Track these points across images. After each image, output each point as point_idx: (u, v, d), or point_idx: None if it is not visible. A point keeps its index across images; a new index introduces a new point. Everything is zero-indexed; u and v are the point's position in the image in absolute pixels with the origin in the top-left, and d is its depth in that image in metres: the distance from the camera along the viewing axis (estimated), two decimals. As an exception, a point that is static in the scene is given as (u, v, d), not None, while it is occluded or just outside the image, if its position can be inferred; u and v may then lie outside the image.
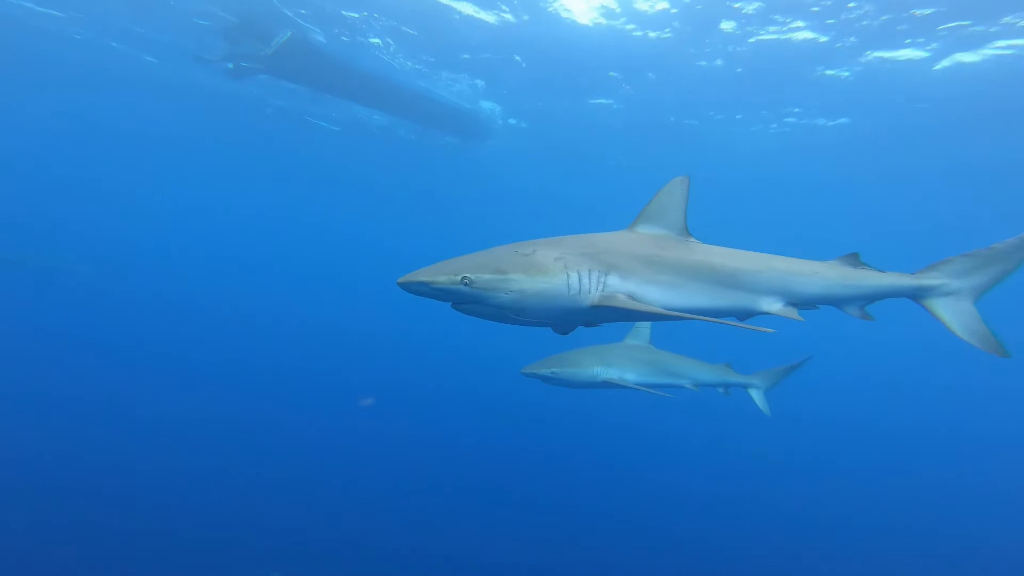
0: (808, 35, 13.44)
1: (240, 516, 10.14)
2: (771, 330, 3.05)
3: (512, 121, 22.85)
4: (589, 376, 5.79)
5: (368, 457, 13.48)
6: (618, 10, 13.19)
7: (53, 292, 24.25)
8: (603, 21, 13.77)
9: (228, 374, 18.83)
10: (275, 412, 15.90)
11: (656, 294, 3.26)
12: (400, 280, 2.92)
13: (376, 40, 16.42)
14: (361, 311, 28.00)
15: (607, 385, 5.87)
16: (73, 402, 14.28)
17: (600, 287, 3.09)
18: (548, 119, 21.66)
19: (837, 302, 3.87)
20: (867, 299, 3.87)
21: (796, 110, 18.40)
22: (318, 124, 25.40)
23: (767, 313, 3.69)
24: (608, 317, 3.30)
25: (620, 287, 3.14)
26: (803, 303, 3.77)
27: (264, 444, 13.47)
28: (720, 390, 6.73)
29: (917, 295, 3.87)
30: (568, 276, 3.01)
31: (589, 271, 3.08)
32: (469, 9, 14.03)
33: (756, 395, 6.80)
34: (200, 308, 28.14)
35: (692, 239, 3.75)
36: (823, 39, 13.53)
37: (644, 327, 6.43)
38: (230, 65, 17.64)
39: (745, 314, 3.73)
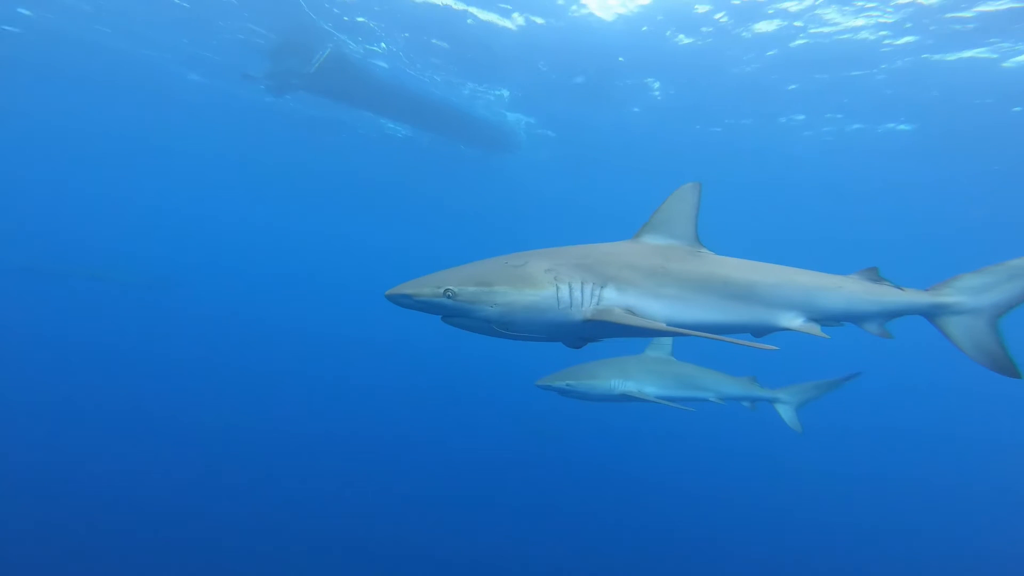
0: (857, 36, 12.92)
1: (262, 524, 10.28)
2: (774, 347, 2.88)
3: (538, 130, 22.80)
4: (606, 389, 5.65)
5: (387, 467, 13.52)
6: (647, 14, 13.00)
7: (102, 302, 25.22)
8: (630, 27, 13.57)
9: (272, 384, 19.13)
10: (309, 421, 16.16)
11: (659, 308, 3.09)
12: (387, 293, 2.89)
13: (401, 52, 16.65)
14: (376, 322, 28.26)
15: (625, 398, 5.72)
16: (108, 411, 14.51)
17: (595, 300, 2.94)
18: (573, 127, 21.51)
19: (859, 318, 3.65)
20: (888, 315, 3.66)
21: (838, 116, 17.75)
22: (349, 137, 25.95)
23: (787, 329, 3.47)
24: (606, 332, 3.14)
25: (617, 300, 2.99)
26: (826, 319, 3.56)
27: (304, 455, 13.64)
28: (746, 404, 6.49)
29: (931, 313, 3.66)
30: (558, 289, 2.88)
31: (582, 283, 2.94)
32: (493, 18, 14.06)
33: (784, 411, 6.52)
34: (238, 318, 28.79)
35: (703, 250, 3.55)
36: (872, 38, 12.97)
37: (665, 339, 6.26)
38: (269, 82, 18.24)
39: (762, 330, 3.53)
